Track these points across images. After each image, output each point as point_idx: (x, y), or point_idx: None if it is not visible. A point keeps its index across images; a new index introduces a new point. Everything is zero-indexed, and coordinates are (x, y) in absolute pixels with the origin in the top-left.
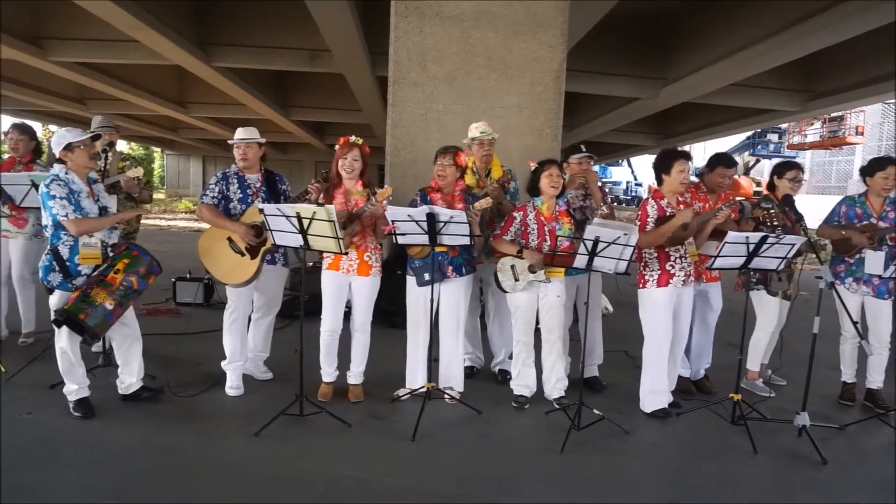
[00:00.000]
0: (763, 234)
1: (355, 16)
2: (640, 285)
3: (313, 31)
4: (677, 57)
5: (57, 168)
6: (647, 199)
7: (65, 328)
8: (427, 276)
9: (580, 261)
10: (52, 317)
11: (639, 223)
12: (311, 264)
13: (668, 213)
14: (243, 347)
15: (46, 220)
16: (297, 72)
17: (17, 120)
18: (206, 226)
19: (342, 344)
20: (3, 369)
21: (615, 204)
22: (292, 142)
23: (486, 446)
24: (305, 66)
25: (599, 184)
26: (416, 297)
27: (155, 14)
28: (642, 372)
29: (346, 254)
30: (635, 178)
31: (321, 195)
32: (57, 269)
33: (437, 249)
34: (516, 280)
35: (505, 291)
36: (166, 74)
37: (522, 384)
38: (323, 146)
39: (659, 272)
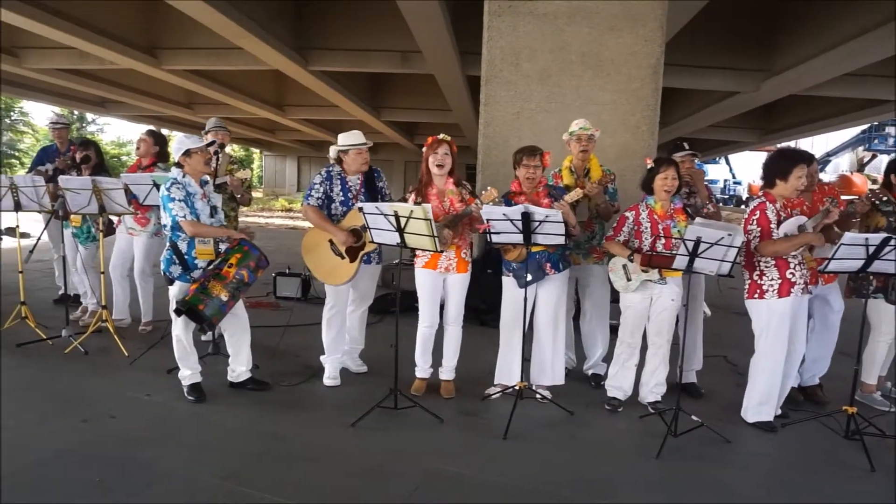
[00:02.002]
0: (886, 235)
1: (446, 16)
2: (757, 296)
3: (405, 33)
4: (782, 47)
5: (175, 171)
6: (763, 202)
7: (182, 317)
8: (529, 277)
9: (680, 262)
10: (173, 306)
11: (759, 229)
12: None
13: (781, 218)
14: (341, 341)
15: (166, 219)
16: (389, 73)
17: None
18: (302, 223)
19: (435, 340)
20: (125, 353)
21: None
22: (383, 142)
23: (579, 448)
24: (397, 68)
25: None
26: (515, 297)
27: (258, 22)
28: (749, 382)
29: (443, 251)
30: (734, 177)
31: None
32: (177, 262)
33: (533, 250)
34: (628, 280)
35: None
36: (266, 79)
37: (617, 386)
38: (412, 146)
39: (780, 281)
